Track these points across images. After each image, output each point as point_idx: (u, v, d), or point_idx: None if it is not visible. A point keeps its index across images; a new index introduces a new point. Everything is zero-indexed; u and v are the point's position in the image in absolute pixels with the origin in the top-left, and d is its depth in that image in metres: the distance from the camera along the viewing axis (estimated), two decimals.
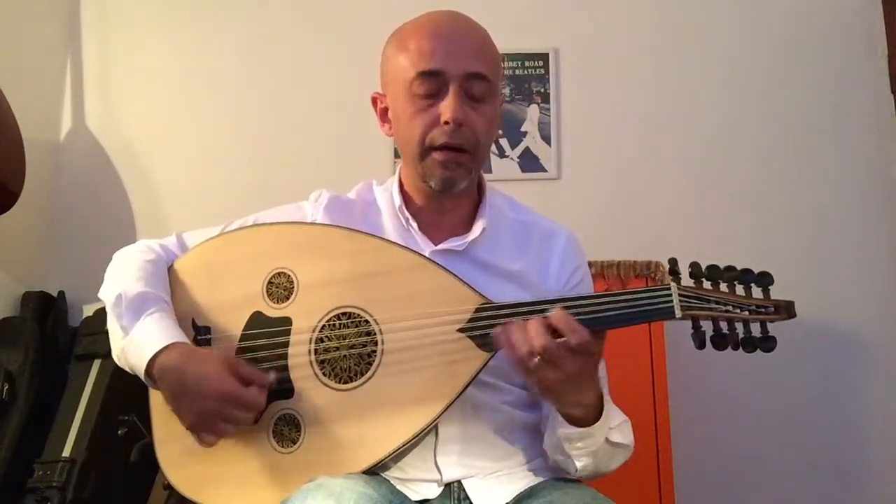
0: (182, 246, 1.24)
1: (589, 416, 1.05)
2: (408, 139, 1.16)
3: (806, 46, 2.27)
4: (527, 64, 2.31)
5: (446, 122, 1.12)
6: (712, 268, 1.04)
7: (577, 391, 1.02)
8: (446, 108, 1.12)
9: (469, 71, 1.13)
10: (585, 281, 1.25)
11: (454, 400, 1.05)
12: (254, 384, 1.05)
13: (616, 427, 1.09)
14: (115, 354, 1.14)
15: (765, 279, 1.04)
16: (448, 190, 1.17)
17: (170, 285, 1.18)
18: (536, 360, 0.97)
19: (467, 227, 1.21)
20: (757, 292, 1.04)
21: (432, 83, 1.13)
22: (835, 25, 2.27)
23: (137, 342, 1.09)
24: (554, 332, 0.98)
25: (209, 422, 1.04)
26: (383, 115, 1.23)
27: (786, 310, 1.04)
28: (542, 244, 1.24)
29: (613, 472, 1.13)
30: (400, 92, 1.16)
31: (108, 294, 1.15)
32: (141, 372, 1.08)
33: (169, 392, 1.07)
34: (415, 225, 1.20)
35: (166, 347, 1.07)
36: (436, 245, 1.18)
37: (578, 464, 1.08)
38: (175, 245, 1.24)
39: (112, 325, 1.13)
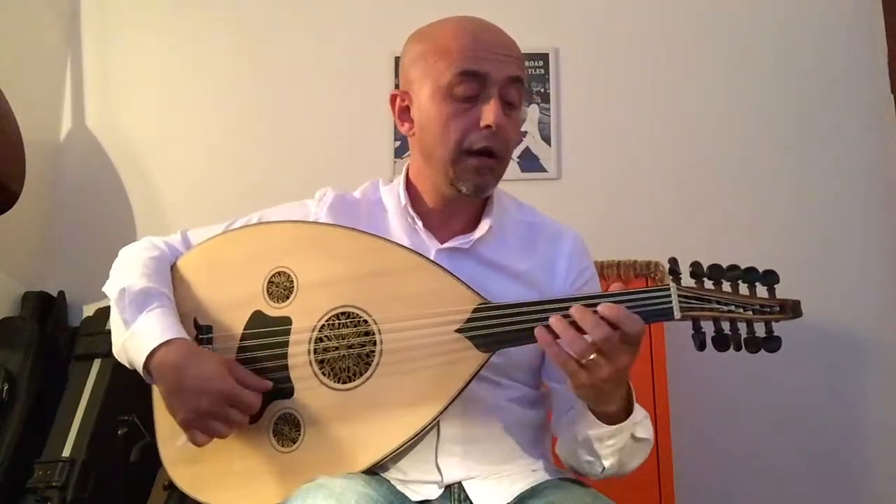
0: (186, 243, 1.24)
1: (620, 412, 1.04)
2: (441, 141, 1.13)
3: (806, 46, 2.27)
4: (527, 64, 2.30)
5: (488, 127, 1.11)
6: (714, 267, 1.01)
7: (619, 387, 1.01)
8: (489, 112, 1.10)
9: (511, 75, 1.12)
10: (593, 281, 1.24)
11: (452, 401, 1.05)
12: (251, 388, 1.06)
13: (639, 422, 1.07)
14: (116, 350, 1.15)
15: (770, 278, 1.01)
16: (479, 195, 1.16)
17: (172, 283, 1.19)
18: (593, 356, 0.95)
19: (473, 227, 1.20)
20: (761, 291, 1.01)
21: (473, 85, 1.11)
22: (835, 25, 2.27)
23: (138, 336, 1.09)
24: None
25: (202, 420, 1.04)
26: (403, 113, 1.21)
27: (792, 309, 1.01)
28: (549, 245, 1.23)
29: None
30: (434, 92, 1.13)
31: (112, 288, 1.16)
32: (139, 366, 1.09)
33: (166, 387, 1.07)
34: (420, 224, 1.19)
35: (166, 343, 1.07)
36: (442, 244, 1.18)
37: (606, 463, 1.07)
38: (179, 242, 1.24)
39: (114, 319, 1.14)
